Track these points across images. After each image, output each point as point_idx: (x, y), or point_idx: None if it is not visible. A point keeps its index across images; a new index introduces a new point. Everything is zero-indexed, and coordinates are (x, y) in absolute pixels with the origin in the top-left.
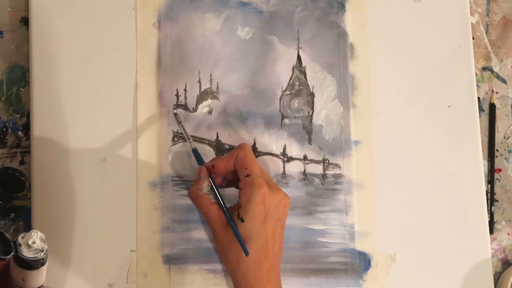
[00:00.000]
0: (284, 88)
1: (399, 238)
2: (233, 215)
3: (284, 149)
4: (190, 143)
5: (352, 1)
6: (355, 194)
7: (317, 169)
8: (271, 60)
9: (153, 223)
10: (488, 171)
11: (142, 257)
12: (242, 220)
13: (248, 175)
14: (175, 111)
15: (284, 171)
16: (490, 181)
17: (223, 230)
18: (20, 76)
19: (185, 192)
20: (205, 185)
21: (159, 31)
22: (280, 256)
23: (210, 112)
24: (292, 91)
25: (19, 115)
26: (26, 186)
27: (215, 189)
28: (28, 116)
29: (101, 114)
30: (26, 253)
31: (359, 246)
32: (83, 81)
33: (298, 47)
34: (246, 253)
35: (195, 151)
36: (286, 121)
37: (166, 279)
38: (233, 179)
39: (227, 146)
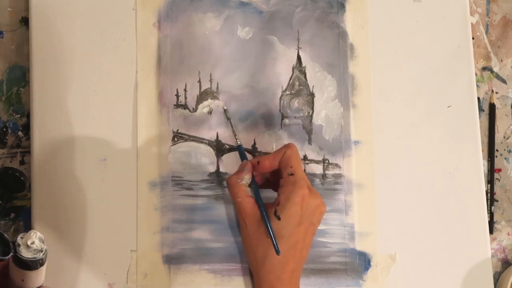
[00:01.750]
0: (284, 88)
1: (399, 238)
2: (268, 212)
3: None
4: (236, 139)
5: (352, 1)
6: (355, 194)
7: (317, 169)
8: (271, 60)
9: (153, 223)
10: (488, 171)
11: (142, 257)
12: (279, 218)
13: (292, 174)
14: (225, 107)
15: None
16: (490, 181)
17: (255, 225)
18: (20, 76)
19: (185, 192)
20: (246, 177)
21: (159, 31)
22: (304, 261)
23: (210, 112)
24: (292, 91)
25: (19, 115)
26: (26, 186)
27: (255, 183)
28: (28, 116)
29: (101, 114)
30: (25, 254)
31: (359, 246)
32: (83, 81)
33: (298, 47)
34: (277, 251)
35: (240, 147)
36: (286, 121)
37: (166, 279)
38: (272, 179)
39: (227, 146)
